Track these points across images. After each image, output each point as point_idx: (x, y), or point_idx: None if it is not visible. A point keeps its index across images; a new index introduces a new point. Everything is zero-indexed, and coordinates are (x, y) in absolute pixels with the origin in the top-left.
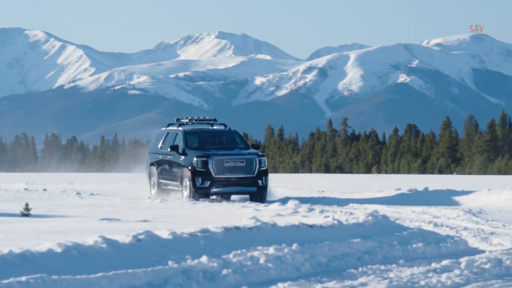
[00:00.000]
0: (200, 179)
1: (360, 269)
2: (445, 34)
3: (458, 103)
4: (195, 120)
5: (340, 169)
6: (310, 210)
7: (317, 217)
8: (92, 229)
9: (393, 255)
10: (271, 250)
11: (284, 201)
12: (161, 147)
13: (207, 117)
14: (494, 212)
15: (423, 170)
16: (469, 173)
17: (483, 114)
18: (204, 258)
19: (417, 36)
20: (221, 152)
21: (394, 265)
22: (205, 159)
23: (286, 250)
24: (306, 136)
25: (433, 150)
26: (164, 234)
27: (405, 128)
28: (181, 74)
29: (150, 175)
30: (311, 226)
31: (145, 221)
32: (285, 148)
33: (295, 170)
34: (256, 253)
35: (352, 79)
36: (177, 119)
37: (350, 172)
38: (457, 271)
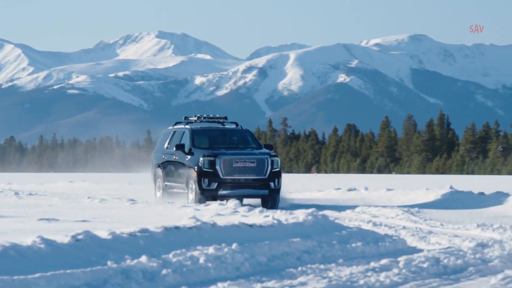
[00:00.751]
0: (206, 180)
1: (299, 268)
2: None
3: (396, 103)
4: (204, 118)
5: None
6: (250, 209)
7: (257, 217)
8: (30, 229)
9: (332, 255)
10: (211, 249)
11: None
12: (167, 147)
13: (217, 115)
14: (432, 211)
15: (362, 169)
16: (408, 173)
17: (421, 113)
18: (143, 258)
19: (356, 36)
20: (230, 152)
21: (333, 264)
22: (212, 158)
23: (226, 249)
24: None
25: (372, 149)
26: (103, 234)
27: (345, 128)
28: (120, 74)
29: (155, 177)
30: (251, 225)
31: (84, 221)
32: None
33: None
34: (196, 253)
35: (292, 79)
36: (185, 117)
37: (290, 171)
38: (395, 270)
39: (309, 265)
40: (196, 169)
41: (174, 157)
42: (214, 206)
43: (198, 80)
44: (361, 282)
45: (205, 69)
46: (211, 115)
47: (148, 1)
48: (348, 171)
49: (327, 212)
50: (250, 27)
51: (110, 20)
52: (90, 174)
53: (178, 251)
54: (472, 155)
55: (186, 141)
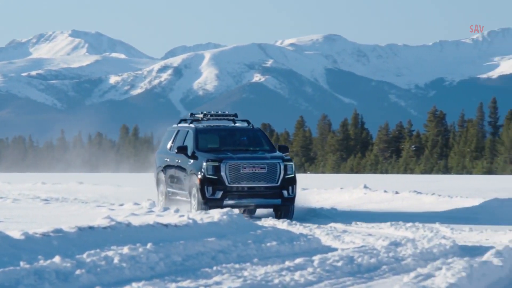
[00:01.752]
0: (210, 188)
1: (214, 268)
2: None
3: (311, 103)
4: (211, 115)
5: None
6: (165, 209)
7: (172, 217)
8: None
9: (247, 254)
10: (125, 249)
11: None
12: (170, 147)
13: (226, 112)
14: (346, 210)
15: None
16: (323, 172)
17: (336, 113)
18: (57, 258)
19: (271, 36)
20: (238, 156)
21: (248, 264)
22: (216, 163)
23: (140, 249)
24: (161, 135)
25: None
26: (16, 234)
27: (260, 127)
28: (33, 73)
29: (157, 182)
30: (166, 225)
31: None
32: (140, 147)
33: (150, 169)
34: (110, 253)
35: (207, 78)
36: (191, 114)
37: None
38: (310, 269)
39: (224, 265)
40: (199, 176)
41: (177, 160)
42: (128, 206)
43: (113, 79)
44: (276, 281)
45: (119, 68)
46: (219, 112)
47: (61, 0)
48: None
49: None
50: (165, 27)
51: (22, 19)
52: (2, 174)
53: (92, 251)
54: (386, 154)
55: (190, 142)
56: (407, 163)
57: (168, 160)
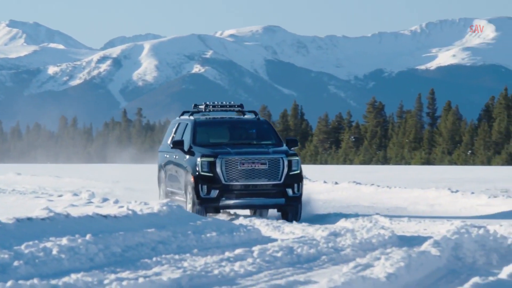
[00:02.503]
0: (205, 187)
1: (154, 258)
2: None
3: (251, 94)
4: (214, 106)
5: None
6: (105, 200)
7: (111, 207)
8: None
9: (187, 245)
10: (64, 241)
11: None
12: (170, 142)
13: (232, 102)
14: None
15: None
16: None
17: (275, 104)
18: None
19: (211, 27)
20: (236, 150)
21: (188, 255)
22: (212, 159)
23: (79, 240)
24: (101, 126)
25: None
26: None
27: None
28: None
29: (159, 181)
30: (105, 216)
31: None
32: (79, 138)
33: (89, 160)
34: (48, 244)
35: (146, 69)
36: (194, 105)
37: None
38: (250, 260)
39: (163, 256)
40: (193, 173)
41: (175, 156)
42: (67, 196)
43: (51, 69)
44: (216, 271)
45: (58, 59)
46: (223, 103)
47: None
48: None
49: (181, 203)
50: (103, 17)
51: None
52: None
53: (31, 243)
54: (325, 145)
55: (187, 136)
56: (346, 153)
57: (167, 156)
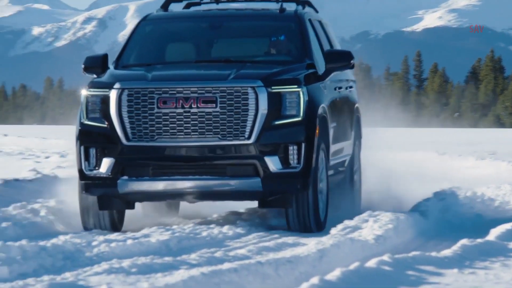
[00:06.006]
0: (91, 154)
1: (143, 221)
2: None
3: None
4: None
5: None
6: None
7: None
8: None
9: None
10: (52, 202)
11: None
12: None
13: None
14: None
15: None
16: None
17: None
18: None
19: None
20: (160, 73)
21: (175, 218)
22: (104, 92)
23: (68, 202)
24: None
25: None
26: None
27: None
28: None
29: None
30: None
31: None
32: (65, 100)
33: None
34: (36, 206)
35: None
36: None
37: None
38: (239, 222)
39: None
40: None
41: None
42: (55, 158)
43: (36, 30)
44: (204, 234)
45: (43, 20)
46: None
47: None
48: None
49: None
50: None
51: None
52: None
53: (19, 204)
54: None
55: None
56: None
57: None
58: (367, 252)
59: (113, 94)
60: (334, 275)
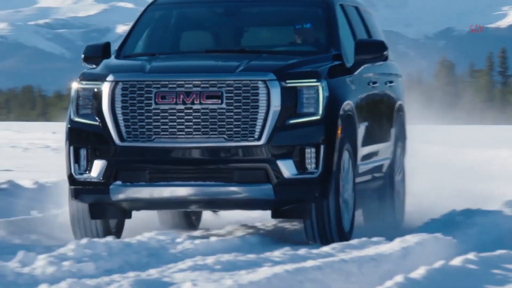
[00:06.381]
0: (81, 155)
1: None
2: None
3: None
4: None
5: None
6: None
7: None
8: None
9: None
10: None
11: None
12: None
13: None
14: None
15: None
16: None
17: None
18: None
19: None
20: (159, 65)
21: None
22: (96, 85)
23: None
24: None
25: None
26: (27, 183)
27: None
28: (41, 22)
29: None
30: None
31: (7, 170)
32: None
33: None
34: None
35: None
36: None
37: None
38: None
39: None
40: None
41: None
42: None
43: (120, 28)
44: None
45: (127, 18)
46: None
47: None
48: None
49: None
50: None
51: None
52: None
53: None
54: None
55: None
56: None
57: None
58: (451, 250)
59: (105, 88)
60: (418, 273)
